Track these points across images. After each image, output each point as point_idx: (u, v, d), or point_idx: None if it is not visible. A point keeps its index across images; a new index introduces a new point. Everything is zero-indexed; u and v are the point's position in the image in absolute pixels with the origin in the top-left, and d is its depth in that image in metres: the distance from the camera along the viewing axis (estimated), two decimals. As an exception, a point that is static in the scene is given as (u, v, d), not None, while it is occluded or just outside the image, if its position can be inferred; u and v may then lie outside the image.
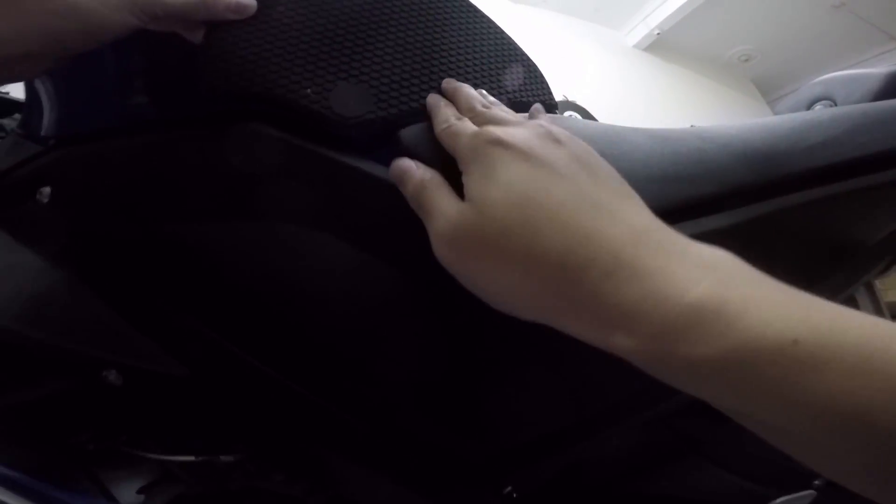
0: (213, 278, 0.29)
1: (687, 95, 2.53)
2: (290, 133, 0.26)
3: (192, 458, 0.33)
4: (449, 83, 0.29)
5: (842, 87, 0.57)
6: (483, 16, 0.34)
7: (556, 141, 0.24)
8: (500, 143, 0.23)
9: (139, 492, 0.35)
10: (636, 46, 2.52)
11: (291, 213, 0.28)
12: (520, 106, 0.32)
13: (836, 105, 0.58)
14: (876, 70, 0.55)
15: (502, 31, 0.35)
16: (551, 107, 0.34)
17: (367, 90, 0.27)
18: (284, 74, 0.26)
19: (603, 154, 0.29)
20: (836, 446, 0.16)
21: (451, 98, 0.28)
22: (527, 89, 0.33)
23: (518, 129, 0.24)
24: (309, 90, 0.26)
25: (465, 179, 0.23)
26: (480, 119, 0.26)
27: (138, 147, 0.29)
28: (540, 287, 0.21)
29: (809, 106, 0.60)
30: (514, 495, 0.32)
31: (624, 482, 0.39)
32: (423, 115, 0.28)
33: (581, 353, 0.26)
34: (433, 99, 0.28)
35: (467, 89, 0.28)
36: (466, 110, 0.27)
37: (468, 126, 0.25)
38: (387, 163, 0.26)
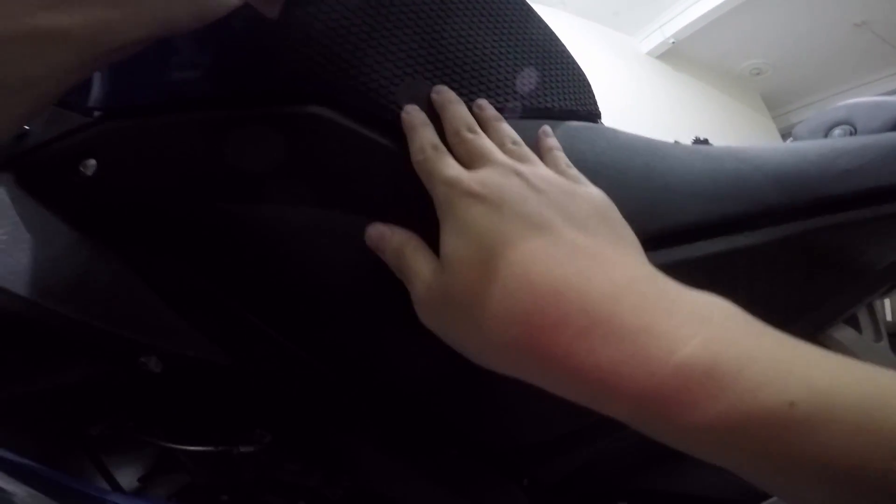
0: (262, 262, 0.29)
1: (694, 105, 2.52)
2: (355, 121, 0.26)
3: (210, 448, 0.32)
4: (439, 95, 0.26)
5: (864, 114, 0.57)
6: (538, 18, 0.34)
7: (535, 189, 0.22)
8: (473, 194, 0.22)
9: (139, 481, 0.33)
10: (649, 53, 2.51)
11: (346, 202, 0.27)
12: (567, 115, 0.32)
13: (855, 130, 0.59)
14: (898, 98, 0.56)
15: (555, 35, 0.34)
16: (595, 115, 0.34)
17: (430, 87, 0.27)
18: (359, 62, 0.25)
19: (648, 165, 0.30)
20: (837, 500, 0.15)
21: (439, 114, 0.26)
22: (574, 95, 0.33)
23: (497, 174, 0.22)
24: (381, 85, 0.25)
25: (440, 233, 0.22)
26: (464, 148, 0.24)
27: (193, 123, 0.28)
28: (515, 348, 0.19)
29: (829, 129, 0.60)
30: (531, 487, 0.33)
31: (631, 477, 0.40)
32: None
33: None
34: (410, 118, 0.25)
35: (455, 108, 0.26)
36: (451, 133, 0.25)
37: (444, 166, 0.23)
38: None
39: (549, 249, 0.20)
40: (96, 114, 0.30)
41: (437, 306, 0.22)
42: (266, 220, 0.28)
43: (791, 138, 0.66)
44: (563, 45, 0.34)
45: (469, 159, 0.24)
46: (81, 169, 0.28)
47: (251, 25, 0.26)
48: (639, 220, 0.26)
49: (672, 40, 2.42)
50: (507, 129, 0.26)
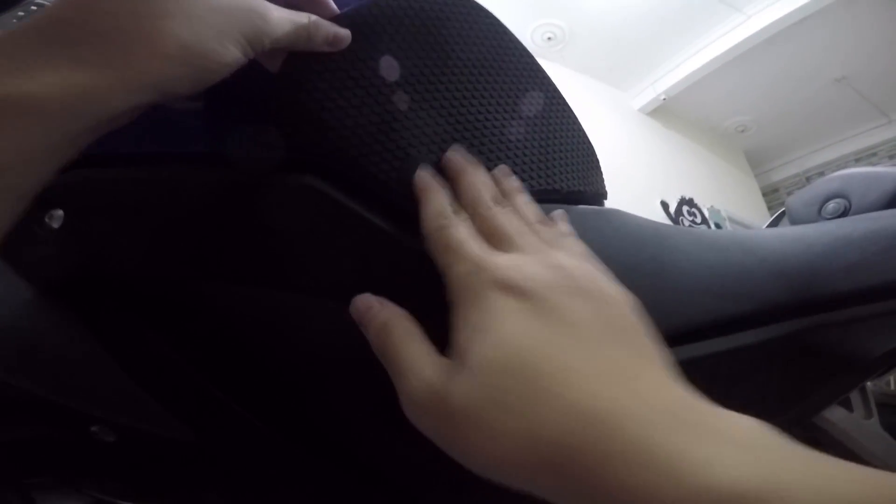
0: (234, 339, 0.27)
1: (681, 163, 2.57)
2: (344, 193, 0.24)
3: None
4: (454, 156, 0.23)
5: (858, 187, 0.57)
6: (554, 87, 0.33)
7: (577, 290, 0.19)
8: (507, 287, 0.19)
9: None
10: (641, 110, 2.57)
11: (328, 286, 0.26)
12: (573, 196, 0.30)
13: (850, 204, 0.59)
14: (892, 170, 0.56)
15: (566, 104, 0.33)
16: (601, 196, 0.32)
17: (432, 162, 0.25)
18: (358, 134, 0.24)
19: (655, 258, 0.28)
20: None
21: (451, 180, 0.23)
22: (582, 175, 0.32)
23: (532, 265, 0.20)
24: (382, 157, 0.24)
25: (455, 323, 0.19)
26: (484, 225, 0.21)
27: (172, 181, 0.26)
28: (534, 465, 0.17)
29: (824, 202, 0.60)
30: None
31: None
32: None
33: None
34: (425, 180, 0.23)
35: (474, 173, 0.23)
36: (469, 205, 0.22)
37: (467, 244, 0.20)
38: None
39: (590, 367, 0.18)
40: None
41: (438, 410, 0.19)
42: (241, 298, 0.26)
43: (784, 209, 0.66)
44: (576, 119, 0.33)
45: (491, 238, 0.21)
46: (47, 220, 0.26)
47: (249, 83, 0.25)
48: (647, 321, 0.24)
49: (663, 97, 2.49)
50: (532, 204, 0.24)
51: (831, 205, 0.58)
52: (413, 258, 0.24)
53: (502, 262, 0.19)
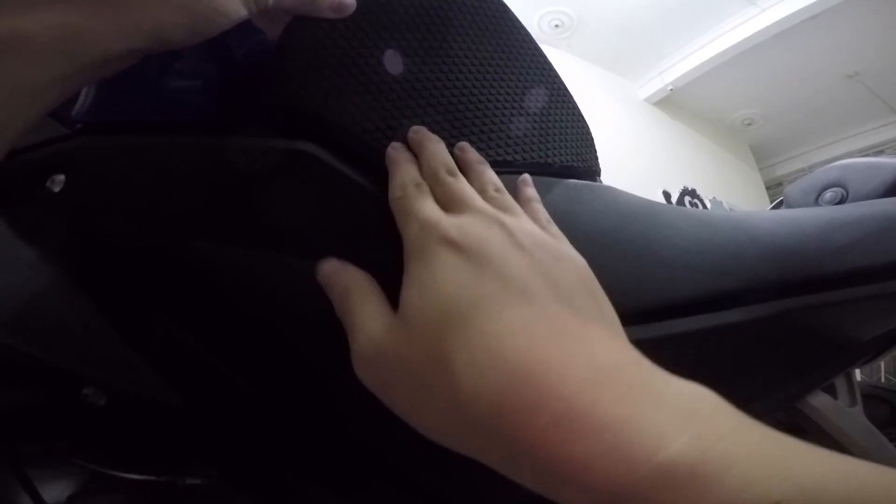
0: (230, 303, 0.27)
1: (686, 154, 2.54)
2: (342, 161, 0.24)
3: (153, 477, 0.29)
4: (416, 133, 0.24)
5: (856, 176, 0.56)
6: (551, 68, 0.33)
7: (519, 246, 0.19)
8: (450, 242, 0.19)
9: (68, 499, 0.30)
10: (647, 100, 2.53)
11: (324, 248, 0.26)
12: (566, 170, 0.30)
13: (847, 193, 0.58)
14: (892, 160, 0.54)
15: (564, 86, 0.33)
16: (594, 172, 0.32)
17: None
18: (356, 99, 0.24)
19: (645, 234, 0.28)
20: None
21: (417, 154, 0.24)
22: (575, 149, 0.32)
23: (478, 224, 0.20)
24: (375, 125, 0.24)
25: (403, 282, 0.19)
26: (441, 192, 0.22)
27: (176, 148, 0.26)
28: (472, 429, 0.17)
29: (821, 191, 0.59)
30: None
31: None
32: None
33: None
34: (393, 152, 0.23)
35: (434, 146, 0.23)
36: (429, 175, 0.22)
37: (424, 206, 0.21)
38: None
39: (530, 323, 0.17)
40: (78, 126, 0.28)
41: (381, 367, 0.18)
42: (239, 260, 0.26)
43: (782, 197, 0.66)
44: (569, 95, 0.33)
45: (447, 204, 0.21)
46: (48, 184, 0.26)
47: (250, 48, 0.25)
48: (627, 293, 0.24)
49: (670, 87, 2.45)
50: (490, 173, 0.24)
51: (829, 193, 0.58)
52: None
53: (448, 222, 0.20)
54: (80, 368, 0.25)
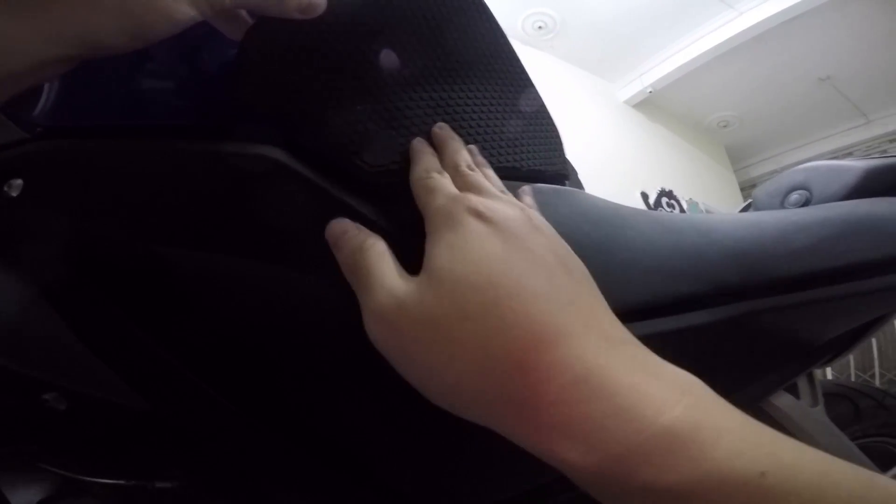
0: (194, 308, 0.26)
1: (664, 156, 2.57)
2: (306, 166, 0.24)
3: (122, 481, 0.29)
4: (441, 130, 0.25)
5: (820, 179, 0.57)
6: (523, 71, 0.32)
7: (537, 228, 0.21)
8: (479, 214, 0.20)
9: None
10: (626, 102, 2.56)
11: (288, 253, 0.25)
12: (534, 174, 0.30)
13: (811, 195, 0.59)
14: (855, 163, 0.55)
15: (533, 86, 0.33)
16: (562, 176, 0.32)
17: (395, 139, 0.25)
18: (318, 104, 0.23)
19: (610, 237, 0.28)
20: None
21: (437, 148, 0.25)
22: (544, 155, 0.32)
23: (501, 204, 0.21)
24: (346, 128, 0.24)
25: (428, 246, 0.20)
26: (461, 181, 0.23)
27: (139, 153, 0.25)
28: (490, 387, 0.17)
29: (787, 193, 0.60)
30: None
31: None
32: None
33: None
34: (418, 144, 0.24)
35: (456, 143, 0.25)
36: (450, 167, 0.24)
37: (447, 186, 0.22)
38: (398, 214, 0.24)
39: (551, 292, 0.18)
40: (38, 130, 0.27)
41: (403, 322, 0.18)
42: (204, 265, 0.25)
43: (751, 199, 0.67)
44: (539, 98, 0.33)
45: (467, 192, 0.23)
46: (5, 188, 0.25)
47: (221, 50, 0.24)
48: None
49: (649, 90, 2.48)
50: (496, 177, 0.25)
51: (794, 196, 0.59)
52: (367, 225, 0.24)
53: (474, 197, 0.21)
54: (40, 374, 0.25)
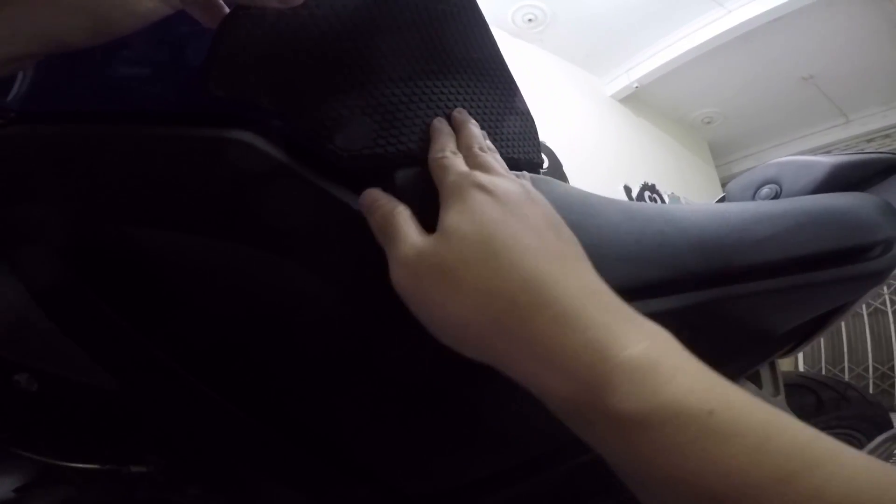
0: (163, 289, 0.26)
1: (648, 150, 2.59)
2: (281, 150, 0.25)
3: (96, 466, 0.29)
4: (460, 114, 0.29)
5: (790, 174, 0.59)
6: (503, 63, 0.33)
7: (533, 200, 0.25)
8: (483, 187, 0.24)
9: (15, 491, 0.30)
10: (613, 96, 2.57)
11: (261, 236, 0.26)
12: (509, 162, 0.31)
13: (781, 189, 0.61)
14: (824, 159, 0.57)
15: (513, 80, 0.34)
16: (536, 165, 0.33)
17: (370, 125, 0.25)
18: (293, 91, 0.24)
19: (578, 224, 0.29)
20: None
21: (455, 129, 0.28)
22: (519, 145, 0.32)
23: (502, 180, 0.25)
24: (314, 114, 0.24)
25: (441, 212, 0.24)
26: (473, 161, 0.26)
27: (110, 137, 0.25)
28: (489, 322, 0.21)
29: (759, 187, 0.62)
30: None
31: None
32: (417, 159, 0.27)
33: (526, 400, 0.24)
34: (439, 124, 0.28)
35: (473, 127, 0.28)
36: (464, 147, 0.27)
37: (459, 164, 0.25)
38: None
39: (540, 247, 0.22)
40: (11, 115, 0.27)
41: (422, 269, 0.22)
42: (173, 246, 0.25)
43: (725, 193, 0.68)
44: (518, 90, 0.34)
45: (477, 170, 0.26)
46: None
47: (190, 36, 0.24)
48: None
49: (636, 85, 2.49)
50: (500, 159, 0.28)
51: (765, 189, 0.60)
52: (339, 210, 0.25)
53: (483, 175, 0.24)
54: (11, 354, 0.25)
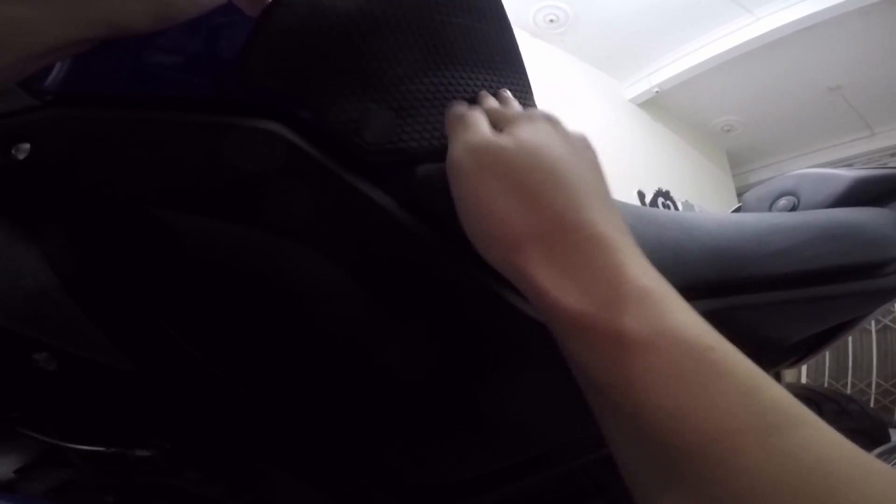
0: (185, 273, 0.27)
1: (664, 156, 2.55)
2: (307, 141, 0.25)
3: (102, 448, 0.29)
4: (480, 95, 0.30)
5: (809, 186, 0.58)
6: (522, 64, 0.33)
7: (588, 146, 0.27)
8: (549, 120, 0.26)
9: (16, 472, 0.30)
10: (632, 101, 2.53)
11: (284, 224, 0.26)
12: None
13: (798, 201, 0.60)
14: (844, 172, 0.56)
15: (529, 83, 0.34)
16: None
17: (396, 119, 0.26)
18: (323, 82, 0.24)
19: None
20: (690, 466, 0.16)
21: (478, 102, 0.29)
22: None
23: (563, 124, 0.27)
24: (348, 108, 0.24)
25: (510, 129, 0.25)
26: (493, 116, 0.27)
27: (144, 123, 0.26)
28: (530, 228, 0.22)
29: (776, 198, 0.61)
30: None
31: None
32: (441, 155, 0.27)
33: (532, 393, 0.24)
34: (459, 105, 0.29)
35: (492, 100, 0.30)
36: (504, 101, 0.29)
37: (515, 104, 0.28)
38: (394, 192, 0.25)
39: (590, 183, 0.24)
40: (48, 97, 0.27)
41: (487, 161, 0.23)
42: (197, 229, 0.26)
43: (741, 203, 0.67)
44: (531, 90, 0.34)
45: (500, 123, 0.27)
46: (13, 152, 0.26)
47: (224, 26, 0.25)
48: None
49: (656, 89, 2.45)
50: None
51: (782, 201, 0.59)
52: (362, 200, 0.25)
53: (547, 112, 0.27)
54: (31, 331, 0.25)
